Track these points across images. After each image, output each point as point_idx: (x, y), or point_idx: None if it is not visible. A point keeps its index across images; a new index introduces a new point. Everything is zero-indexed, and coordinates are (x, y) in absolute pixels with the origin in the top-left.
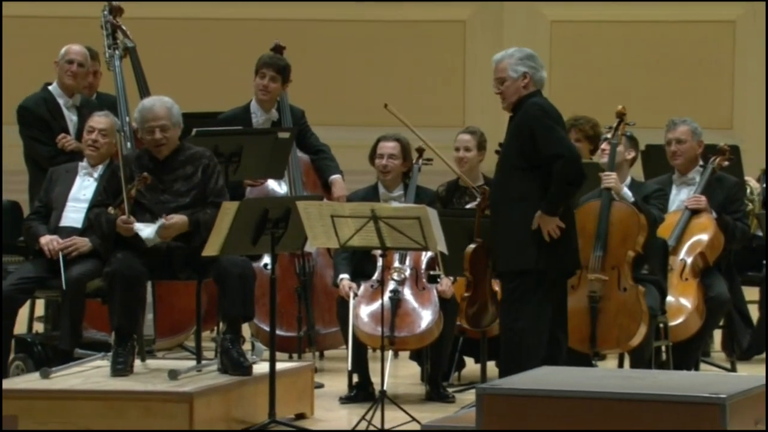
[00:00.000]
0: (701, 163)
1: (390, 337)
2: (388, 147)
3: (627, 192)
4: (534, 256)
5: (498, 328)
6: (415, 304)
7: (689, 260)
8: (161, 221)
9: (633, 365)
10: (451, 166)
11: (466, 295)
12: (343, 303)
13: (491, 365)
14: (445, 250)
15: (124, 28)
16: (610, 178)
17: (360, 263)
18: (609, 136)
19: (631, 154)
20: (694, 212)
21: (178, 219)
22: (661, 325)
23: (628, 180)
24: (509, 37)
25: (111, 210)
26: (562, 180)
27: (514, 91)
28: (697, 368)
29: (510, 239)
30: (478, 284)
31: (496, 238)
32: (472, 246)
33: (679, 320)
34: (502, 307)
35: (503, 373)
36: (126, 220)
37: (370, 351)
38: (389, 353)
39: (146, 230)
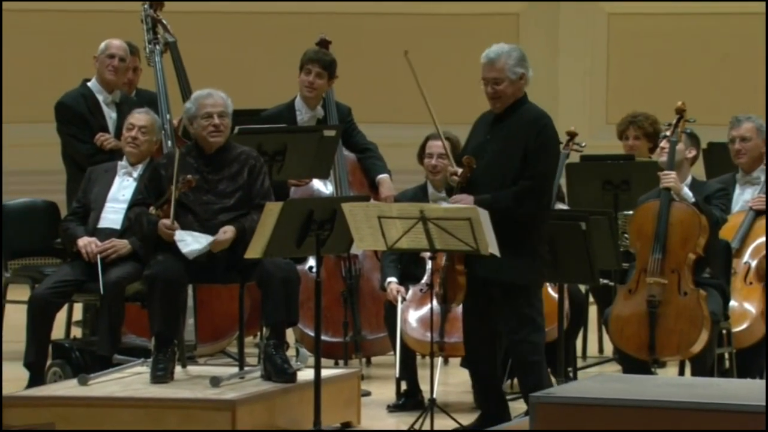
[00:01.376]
0: (766, 161)
1: (440, 343)
2: (438, 146)
3: (687, 192)
4: (538, 268)
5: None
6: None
7: (753, 263)
8: (211, 238)
9: (694, 373)
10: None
11: (460, 267)
12: (391, 307)
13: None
14: (497, 252)
15: (164, 22)
16: (669, 178)
17: (408, 266)
18: (668, 133)
19: (691, 153)
20: (759, 213)
21: (231, 234)
22: (724, 332)
23: (689, 179)
24: (565, 31)
25: (153, 210)
26: (519, 198)
27: (511, 94)
28: (762, 377)
29: (520, 251)
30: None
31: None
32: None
33: (743, 326)
34: (508, 320)
35: (529, 388)
36: (169, 225)
37: (419, 357)
38: (439, 360)
39: (191, 245)
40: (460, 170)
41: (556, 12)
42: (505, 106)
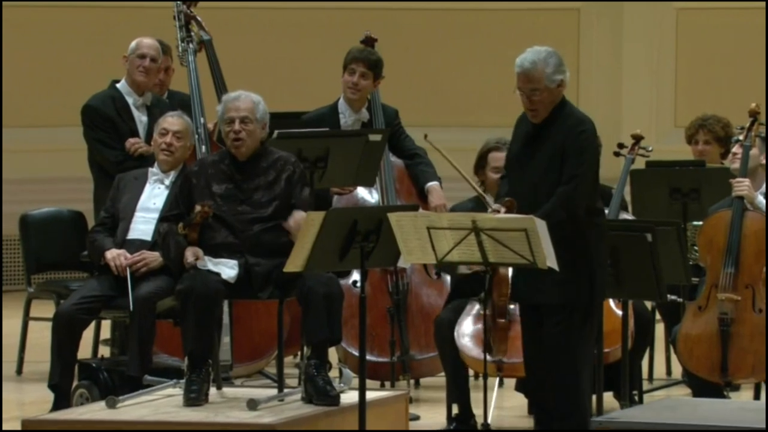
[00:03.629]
0: None
1: (498, 363)
2: (502, 159)
3: (762, 200)
4: (588, 288)
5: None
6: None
7: None
8: (236, 263)
9: None
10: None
11: (501, 321)
12: (442, 325)
13: (608, 396)
14: (555, 266)
15: (199, 18)
16: (742, 185)
17: (466, 279)
18: (741, 137)
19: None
20: None
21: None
22: None
23: (764, 187)
24: (629, 27)
25: (181, 229)
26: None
27: (550, 102)
28: None
29: (567, 269)
30: (506, 310)
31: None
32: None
33: None
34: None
35: (561, 415)
36: (192, 263)
37: (471, 379)
38: (494, 382)
39: (227, 273)
40: (503, 209)
41: (619, 6)
42: (543, 117)
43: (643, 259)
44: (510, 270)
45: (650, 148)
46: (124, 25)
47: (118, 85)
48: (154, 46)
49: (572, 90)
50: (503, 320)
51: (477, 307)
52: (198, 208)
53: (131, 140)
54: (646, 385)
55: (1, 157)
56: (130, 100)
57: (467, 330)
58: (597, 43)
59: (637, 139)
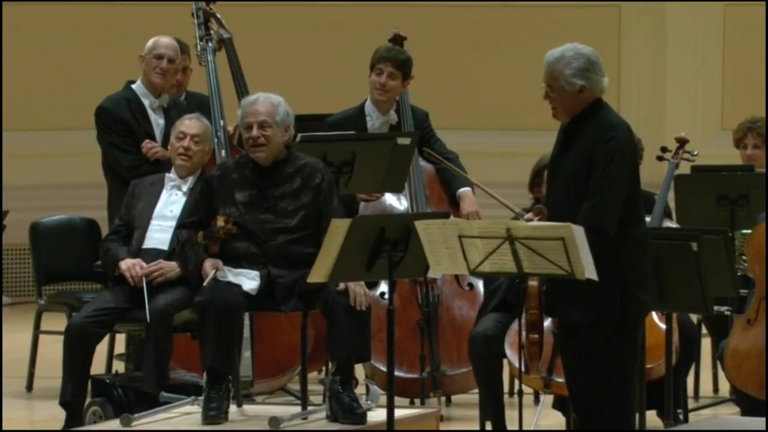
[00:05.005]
0: None
1: (546, 379)
2: None
3: None
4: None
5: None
6: None
7: None
8: (257, 273)
9: None
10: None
11: (533, 336)
12: (477, 338)
13: (651, 415)
14: (594, 276)
15: (218, 16)
16: None
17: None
18: None
19: None
20: None
21: None
22: None
23: None
24: (673, 24)
25: (201, 238)
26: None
27: (570, 105)
28: None
29: (600, 283)
30: (539, 324)
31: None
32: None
33: None
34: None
35: None
36: (215, 265)
37: (506, 396)
38: (531, 398)
39: (248, 284)
40: (535, 218)
41: (662, 2)
42: (563, 119)
43: (689, 269)
44: (537, 281)
45: (695, 152)
46: (140, 23)
47: (133, 86)
48: (172, 46)
49: (612, 91)
50: (535, 335)
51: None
52: (221, 223)
53: (147, 144)
54: (691, 404)
55: (0, 160)
56: (146, 102)
57: (517, 341)
58: (638, 41)
59: (682, 142)
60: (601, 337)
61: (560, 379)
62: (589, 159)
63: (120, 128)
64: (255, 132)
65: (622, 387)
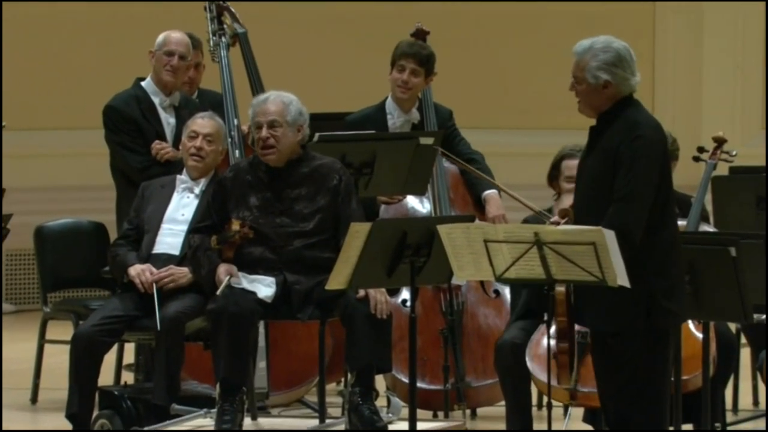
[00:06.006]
0: None
1: (572, 390)
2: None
3: None
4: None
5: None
6: None
7: None
8: (273, 280)
9: None
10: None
11: (562, 345)
12: (503, 347)
13: (688, 428)
14: (626, 283)
15: (232, 10)
16: None
17: (532, 298)
18: None
19: None
20: None
21: None
22: None
23: None
24: (711, 18)
25: (215, 243)
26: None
27: (594, 100)
28: None
29: (618, 291)
30: (568, 332)
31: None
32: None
33: None
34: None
35: None
36: (229, 271)
37: (534, 409)
38: (560, 412)
39: (263, 291)
40: (562, 221)
41: None
42: (590, 114)
43: (726, 275)
44: (565, 286)
45: (734, 153)
46: (149, 18)
47: (143, 84)
48: (183, 42)
49: (647, 88)
50: (564, 344)
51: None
52: (236, 227)
53: (157, 144)
54: (730, 417)
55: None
56: (156, 100)
57: (539, 352)
58: (674, 36)
59: (720, 142)
60: (628, 348)
61: (586, 389)
62: (614, 159)
63: (129, 128)
64: (264, 132)
65: (654, 400)
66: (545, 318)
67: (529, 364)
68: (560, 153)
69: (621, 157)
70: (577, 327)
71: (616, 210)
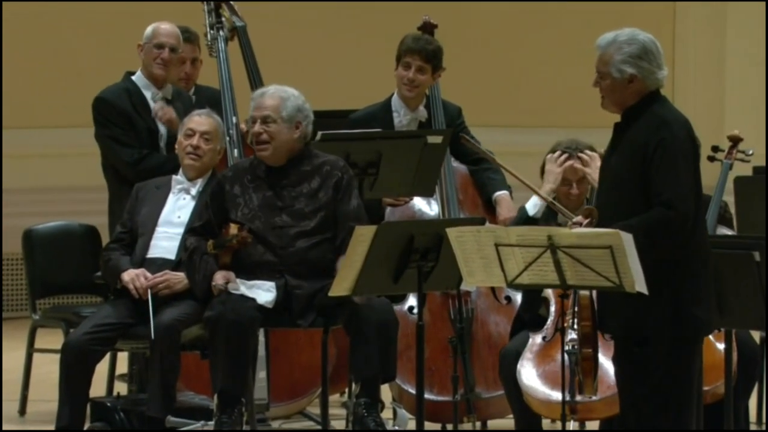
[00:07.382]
0: None
1: (571, 404)
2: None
3: None
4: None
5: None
6: (603, 359)
7: None
8: (273, 284)
9: None
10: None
11: (587, 350)
12: (507, 356)
13: None
14: (644, 289)
15: (231, 2)
16: None
17: (531, 305)
18: None
19: None
20: None
21: None
22: None
23: None
24: (733, 17)
25: (211, 247)
26: (655, 231)
27: (619, 95)
28: None
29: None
30: (592, 337)
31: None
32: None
33: None
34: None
35: None
36: (226, 277)
37: (548, 422)
38: (571, 424)
39: (263, 297)
40: (585, 222)
41: None
42: (615, 110)
43: (749, 281)
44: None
45: (750, 152)
46: (149, 16)
47: (133, 78)
48: (173, 34)
49: (667, 86)
50: (588, 350)
51: (539, 339)
52: (235, 231)
53: (157, 105)
54: (753, 429)
55: (0, 162)
56: (147, 94)
57: (531, 366)
58: (695, 32)
59: (735, 141)
60: (653, 357)
61: (587, 400)
62: (642, 157)
63: (120, 120)
64: (257, 128)
65: (677, 412)
66: (540, 327)
67: (520, 382)
68: (552, 148)
69: (653, 157)
70: (568, 337)
71: (660, 214)
